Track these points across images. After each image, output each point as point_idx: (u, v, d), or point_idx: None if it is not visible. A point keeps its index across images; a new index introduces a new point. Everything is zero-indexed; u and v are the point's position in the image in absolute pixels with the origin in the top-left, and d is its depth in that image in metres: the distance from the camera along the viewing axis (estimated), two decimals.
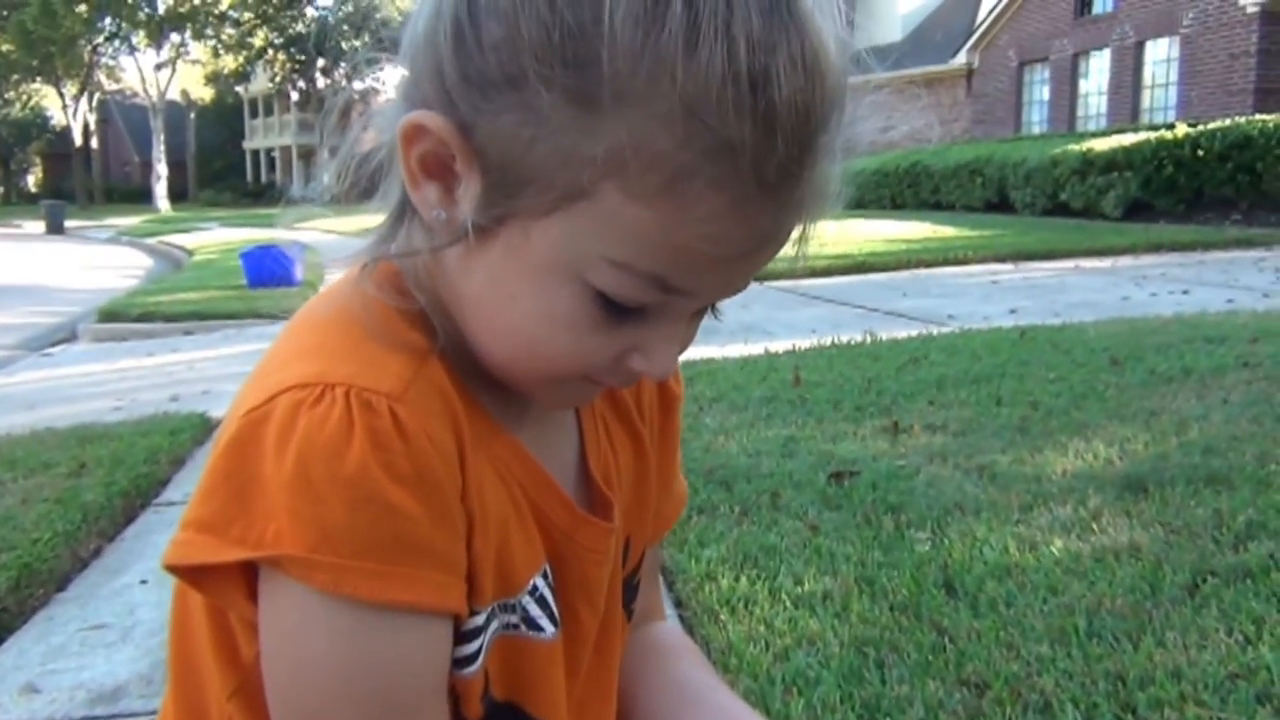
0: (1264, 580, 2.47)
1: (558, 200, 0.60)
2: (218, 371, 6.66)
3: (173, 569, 0.63)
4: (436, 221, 0.64)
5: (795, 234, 0.65)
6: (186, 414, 5.10)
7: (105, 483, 3.85)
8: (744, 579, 2.70)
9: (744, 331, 6.86)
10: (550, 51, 0.56)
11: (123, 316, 9.50)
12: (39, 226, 31.02)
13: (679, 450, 0.91)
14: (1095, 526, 2.91)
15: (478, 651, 0.68)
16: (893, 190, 19.12)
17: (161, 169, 42.30)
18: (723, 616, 2.50)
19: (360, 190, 0.70)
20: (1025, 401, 4.36)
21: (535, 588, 0.72)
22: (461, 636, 0.67)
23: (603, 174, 0.58)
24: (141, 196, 51.35)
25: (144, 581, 3.15)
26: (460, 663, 0.67)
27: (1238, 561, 2.58)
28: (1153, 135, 14.06)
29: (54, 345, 8.92)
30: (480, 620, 0.67)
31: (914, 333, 6.38)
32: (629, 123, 0.57)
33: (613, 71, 0.56)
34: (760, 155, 0.57)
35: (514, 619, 0.71)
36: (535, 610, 0.72)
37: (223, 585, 0.64)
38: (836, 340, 6.21)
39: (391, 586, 0.61)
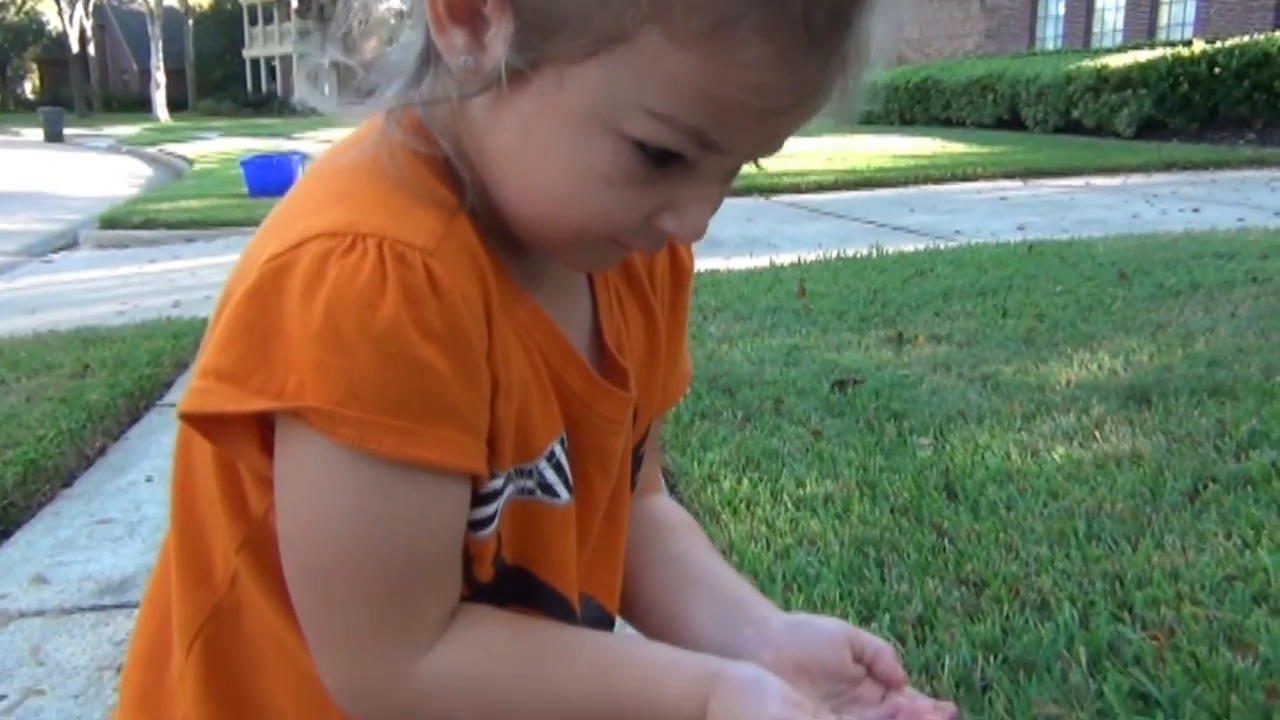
0: (1265, 487, 2.47)
1: (595, 44, 0.57)
2: (220, 278, 6.53)
3: (187, 417, 0.62)
4: (464, 69, 0.61)
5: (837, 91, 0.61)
6: (189, 319, 5.09)
7: (109, 383, 3.86)
8: (746, 481, 2.72)
9: (750, 245, 6.82)
10: None
11: (124, 224, 9.45)
12: (37, 134, 30.67)
13: (687, 326, 0.89)
14: (1098, 434, 2.91)
15: (493, 515, 0.67)
16: (902, 106, 18.84)
17: (160, 77, 41.66)
18: (724, 517, 2.52)
19: (373, 45, 0.67)
20: (1031, 314, 4.34)
21: (553, 454, 0.71)
22: (479, 499, 0.66)
23: (645, 16, 0.56)
24: (140, 105, 50.70)
25: (149, 479, 3.17)
26: (476, 525, 0.67)
27: (1239, 469, 2.59)
28: (1169, 52, 13.79)
29: (55, 252, 8.88)
30: (498, 484, 0.67)
31: (921, 246, 6.33)
32: None
33: None
34: (810, 2, 0.55)
35: (530, 484, 0.70)
36: (552, 476, 0.71)
37: (237, 436, 0.62)
38: (842, 253, 6.17)
39: (416, 444, 0.59)
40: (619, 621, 0.87)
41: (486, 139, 0.64)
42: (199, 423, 0.62)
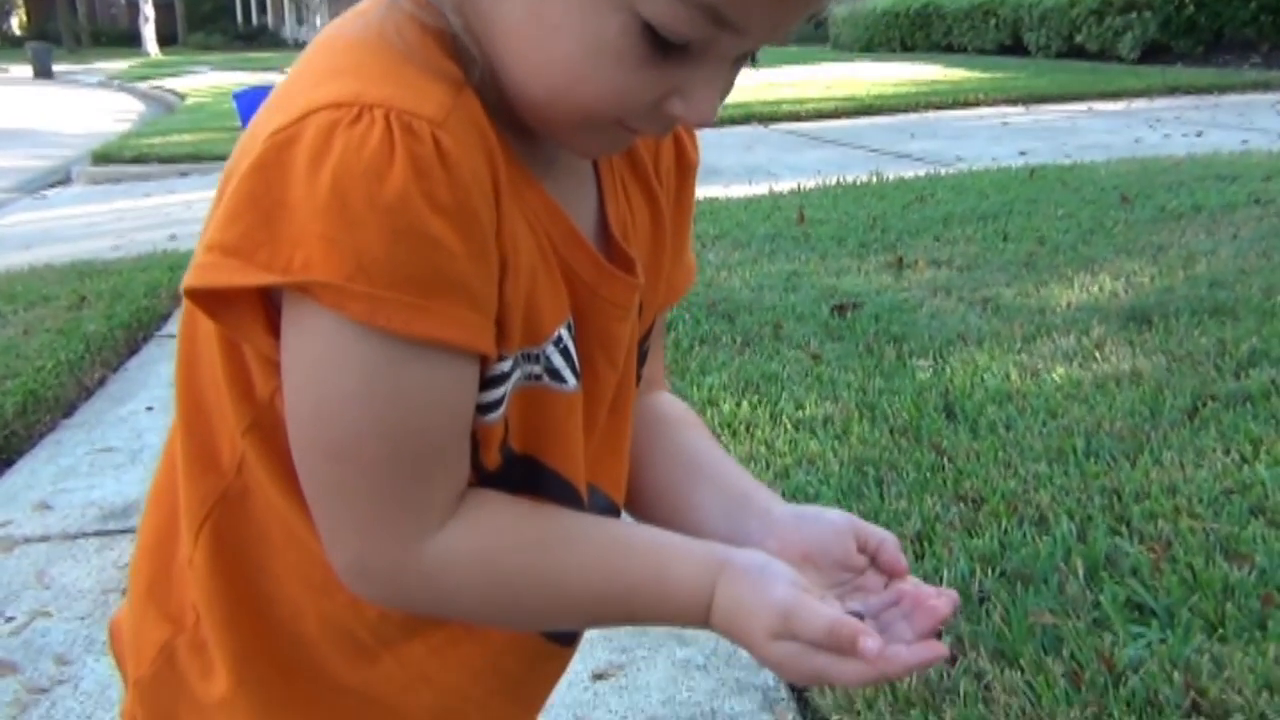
0: (1264, 404, 2.48)
1: None
2: None
3: (192, 292, 0.60)
4: None
5: None
6: (186, 251, 5.05)
7: (106, 315, 3.86)
8: (745, 404, 2.72)
9: (749, 173, 6.76)
10: None
11: (117, 159, 9.35)
12: (26, 70, 30.22)
13: (692, 220, 0.88)
14: (1097, 355, 2.91)
15: (501, 399, 0.67)
16: (903, 32, 18.52)
17: (149, 10, 40.92)
18: (724, 438, 2.52)
19: None
20: (1032, 238, 4.31)
21: (559, 338, 0.70)
22: (486, 382, 0.65)
23: None
24: (129, 40, 49.89)
25: (150, 408, 3.17)
26: (483, 409, 0.66)
27: (1238, 387, 2.59)
28: None
29: (49, 188, 8.80)
30: (506, 367, 0.66)
31: (921, 172, 6.27)
32: None
33: None
34: None
35: (537, 369, 0.69)
36: (559, 361, 0.70)
37: (241, 314, 0.61)
38: (842, 180, 6.12)
39: (426, 321, 0.58)
40: (624, 516, 0.87)
41: (496, 13, 0.62)
42: (204, 300, 0.61)
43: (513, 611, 0.70)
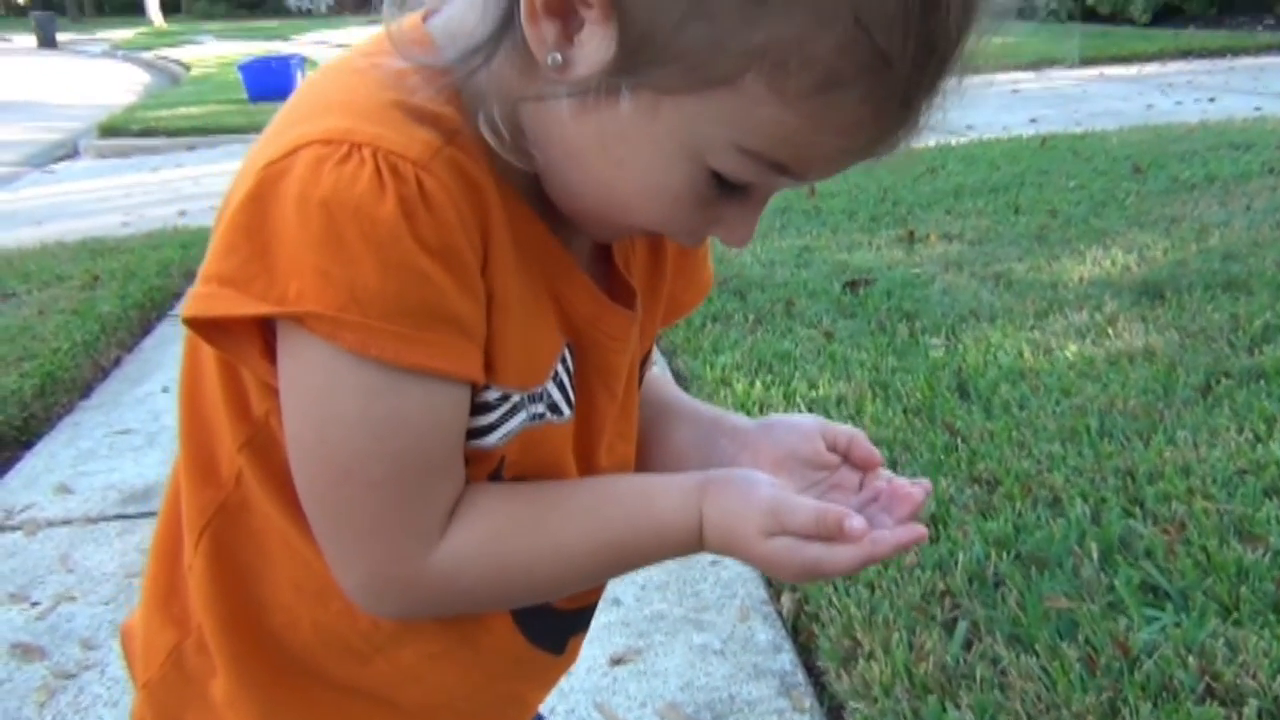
0: (1278, 381, 2.48)
1: (698, 83, 0.58)
2: (223, 186, 6.49)
3: (191, 322, 0.62)
4: (550, 64, 0.60)
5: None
6: (196, 228, 5.06)
7: (120, 295, 3.87)
8: (759, 384, 2.73)
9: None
10: None
11: (124, 132, 9.35)
12: (30, 40, 30.10)
13: (707, 241, 0.89)
14: (1110, 331, 2.91)
15: (491, 425, 0.69)
16: None
17: None
18: None
19: None
20: (1044, 210, 4.29)
21: (555, 372, 0.72)
22: (475, 408, 0.67)
23: (752, 66, 0.57)
24: (133, 8, 49.60)
25: (165, 389, 3.19)
26: (473, 434, 0.68)
27: (1252, 364, 2.59)
28: None
29: (56, 161, 8.80)
30: (493, 397, 0.68)
31: (931, 143, 6.22)
32: (793, 20, 0.55)
33: None
34: (912, 76, 0.57)
35: (541, 408, 0.71)
36: (557, 395, 0.72)
37: (239, 341, 0.63)
38: None
39: (417, 351, 0.61)
40: None
41: (557, 128, 0.63)
42: (202, 328, 0.63)
43: (526, 588, 0.72)
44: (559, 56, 0.60)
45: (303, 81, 0.69)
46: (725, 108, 0.58)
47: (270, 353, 0.63)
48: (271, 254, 0.59)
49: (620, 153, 0.62)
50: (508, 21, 0.61)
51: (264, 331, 0.63)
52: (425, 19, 0.68)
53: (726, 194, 0.63)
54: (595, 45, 0.59)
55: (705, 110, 0.59)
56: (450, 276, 0.61)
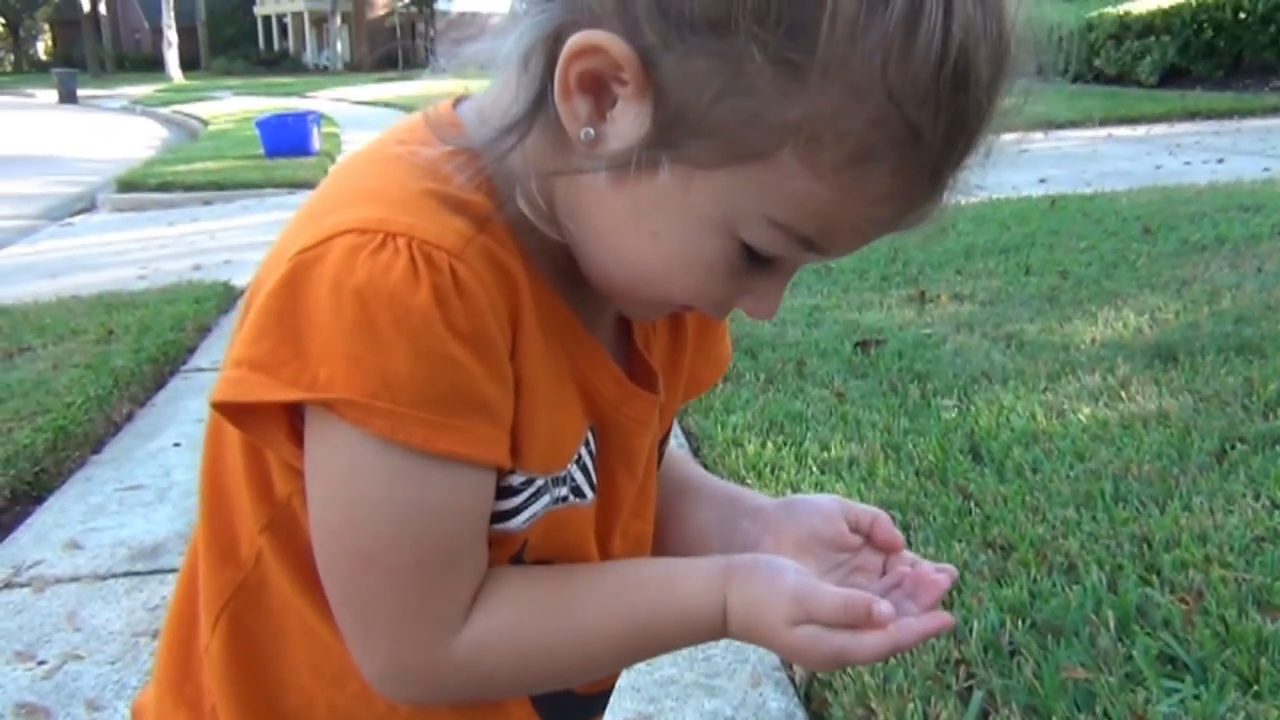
0: None
1: (732, 157, 0.59)
2: (239, 240, 6.65)
3: (221, 406, 0.63)
4: (583, 139, 0.61)
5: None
6: (210, 283, 5.11)
7: (134, 349, 3.89)
8: (770, 445, 2.72)
9: None
10: (768, 10, 0.54)
11: (142, 186, 9.45)
12: (52, 95, 30.65)
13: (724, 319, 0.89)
14: (1124, 394, 2.90)
15: (515, 509, 0.69)
16: None
17: (172, 36, 41.43)
18: (749, 481, 2.52)
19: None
20: (1055, 271, 4.30)
21: (579, 455, 0.72)
22: (500, 492, 0.67)
23: (788, 141, 0.57)
24: (153, 65, 50.48)
25: (177, 445, 3.20)
26: (496, 517, 0.68)
27: (1267, 429, 2.57)
28: None
29: (74, 215, 8.90)
30: (517, 481, 0.68)
31: None
32: (829, 96, 0.56)
33: (829, 43, 0.54)
34: (943, 149, 0.58)
35: (564, 491, 0.71)
36: (580, 478, 0.73)
37: (266, 424, 0.64)
38: None
39: (446, 438, 0.61)
40: None
41: (589, 204, 0.64)
42: (231, 411, 0.64)
43: (547, 674, 0.72)
44: (592, 131, 0.61)
45: (339, 164, 0.70)
46: (758, 181, 0.59)
47: (296, 436, 0.64)
48: (303, 340, 0.60)
49: (653, 225, 0.63)
50: (541, 99, 0.62)
51: (290, 415, 0.63)
52: (455, 105, 0.69)
53: (756, 267, 0.64)
54: (629, 120, 0.60)
55: (738, 183, 0.60)
56: (481, 362, 0.61)
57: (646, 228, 0.63)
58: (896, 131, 0.57)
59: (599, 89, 0.60)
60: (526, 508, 0.69)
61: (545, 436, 0.68)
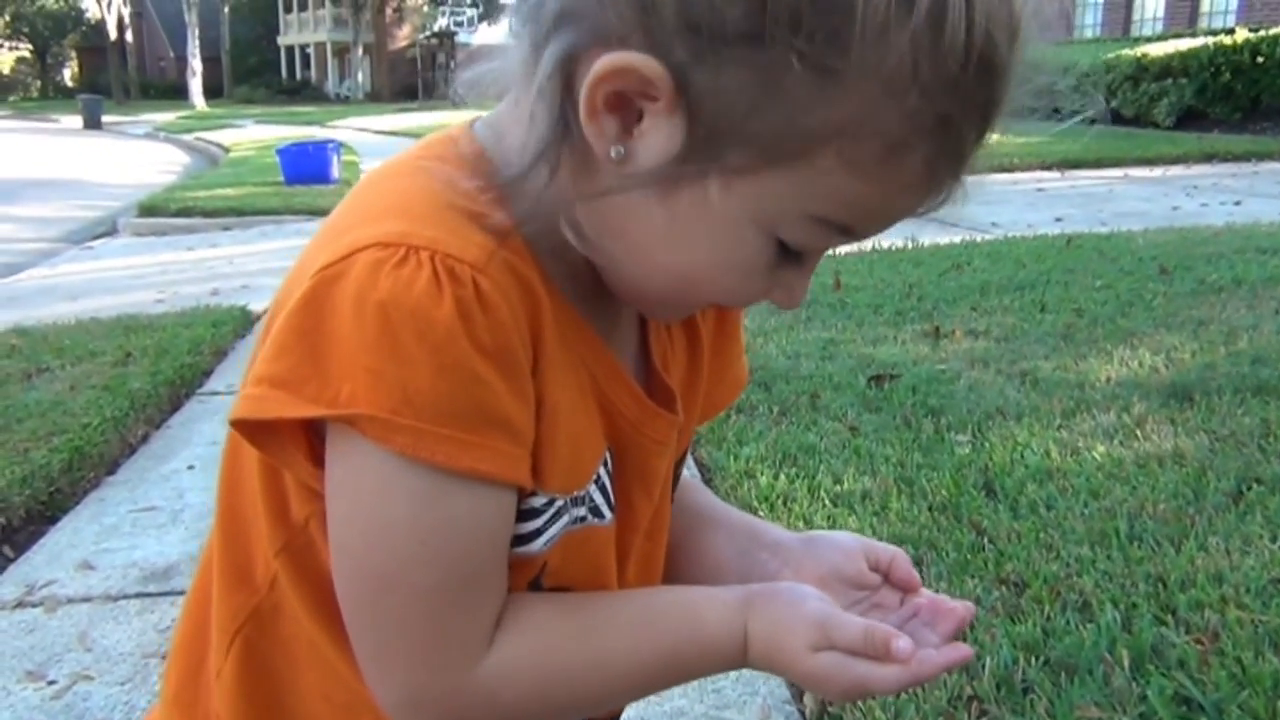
0: None
1: (769, 162, 0.59)
2: (257, 266, 6.70)
3: (240, 423, 0.62)
4: (611, 157, 0.60)
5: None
6: (228, 307, 5.14)
7: (151, 372, 3.91)
8: (783, 477, 2.71)
9: None
10: (801, 16, 0.55)
11: (162, 211, 9.55)
12: (76, 121, 31.03)
13: (739, 337, 0.89)
14: (1139, 433, 2.88)
15: (536, 532, 0.68)
16: None
17: (196, 64, 42.00)
18: (761, 513, 2.52)
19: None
20: (1070, 309, 4.30)
21: (597, 475, 0.71)
22: (520, 514, 0.66)
23: (824, 143, 0.58)
24: (177, 92, 51.09)
25: (191, 467, 3.21)
26: (517, 540, 0.67)
27: None
28: (1210, 41, 13.58)
29: (95, 239, 8.99)
30: (538, 502, 0.67)
31: (957, 239, 6.28)
32: (863, 97, 0.57)
33: (861, 45, 0.55)
34: (971, 135, 0.60)
35: (582, 511, 0.71)
36: (599, 498, 0.72)
37: (285, 443, 0.63)
38: (877, 245, 6.12)
39: (469, 455, 0.60)
40: None
41: (621, 222, 0.64)
42: (250, 429, 0.63)
43: (570, 705, 0.70)
44: (622, 150, 0.60)
45: (359, 183, 0.70)
46: (796, 182, 0.60)
47: (315, 457, 0.63)
48: (325, 356, 0.59)
49: (692, 235, 0.63)
50: (563, 124, 0.61)
51: (310, 435, 0.63)
52: (471, 125, 0.70)
53: (789, 260, 0.65)
54: (660, 136, 0.59)
55: (775, 186, 0.60)
56: (503, 379, 0.61)
57: (685, 239, 0.63)
58: (929, 122, 0.58)
59: (624, 106, 0.60)
60: (546, 529, 0.68)
61: (566, 456, 0.67)
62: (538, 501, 0.67)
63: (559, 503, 0.68)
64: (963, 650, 0.69)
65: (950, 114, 0.58)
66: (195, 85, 41.86)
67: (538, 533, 0.68)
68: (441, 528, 0.62)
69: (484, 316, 0.59)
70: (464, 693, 0.65)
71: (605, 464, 0.72)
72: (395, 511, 0.61)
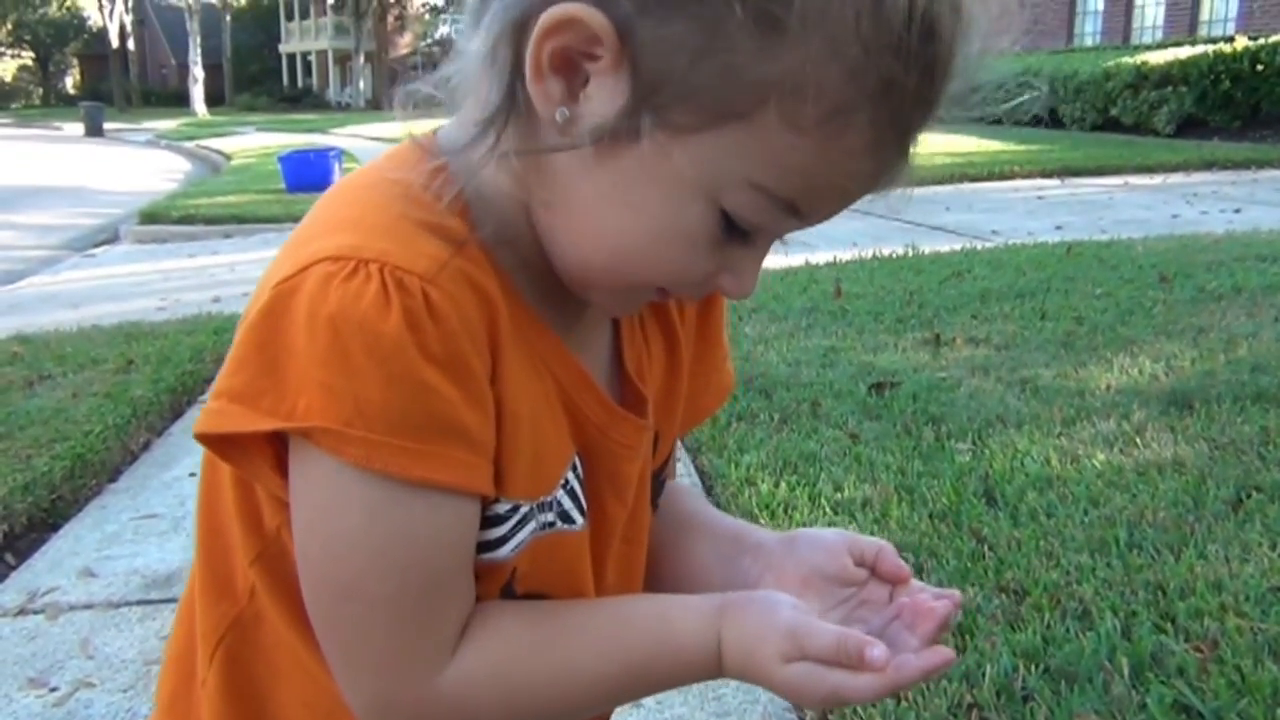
0: None
1: (713, 119, 0.59)
2: (258, 274, 6.60)
3: (202, 437, 0.63)
4: (557, 120, 0.61)
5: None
6: (229, 314, 5.15)
7: (153, 379, 3.92)
8: (784, 485, 2.72)
9: (784, 244, 6.79)
10: None
11: (164, 219, 9.57)
12: (78, 129, 31.10)
13: (723, 343, 0.89)
14: (1139, 441, 2.89)
15: (503, 538, 0.68)
16: None
17: (198, 72, 42.05)
18: (762, 520, 2.52)
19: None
20: (1070, 317, 4.30)
21: (566, 480, 0.72)
22: (486, 521, 0.67)
23: (768, 98, 0.58)
24: (178, 100, 51.18)
25: (193, 474, 3.21)
26: (482, 547, 0.68)
27: None
28: (1210, 49, 13.60)
29: (97, 246, 9.01)
30: (503, 509, 0.67)
31: (957, 247, 6.29)
32: (807, 51, 0.56)
33: None
34: (914, 101, 0.59)
35: (550, 516, 0.71)
36: (568, 503, 0.72)
37: (250, 456, 0.64)
38: (878, 253, 6.14)
39: (422, 464, 0.60)
40: None
41: (566, 188, 0.64)
42: (214, 443, 0.64)
43: (537, 712, 0.70)
44: (566, 111, 0.61)
45: (325, 194, 0.71)
46: (739, 142, 0.59)
47: (282, 467, 0.64)
48: (281, 370, 0.60)
49: (634, 197, 0.63)
50: (512, 90, 0.62)
51: (275, 446, 0.63)
52: (435, 133, 0.70)
53: (736, 239, 0.64)
54: (605, 95, 0.60)
55: (718, 146, 0.60)
56: (456, 388, 0.61)
57: (627, 200, 0.63)
58: (871, 83, 0.57)
59: (570, 69, 0.60)
60: (513, 536, 0.68)
61: (529, 462, 0.67)
62: (502, 508, 0.67)
63: (524, 509, 0.68)
64: (943, 654, 0.66)
65: (893, 77, 0.57)
66: (197, 93, 41.92)
67: (504, 539, 0.68)
68: (397, 538, 0.62)
69: (434, 326, 0.60)
70: (429, 701, 0.66)
71: (575, 469, 0.72)
72: (350, 522, 0.62)
